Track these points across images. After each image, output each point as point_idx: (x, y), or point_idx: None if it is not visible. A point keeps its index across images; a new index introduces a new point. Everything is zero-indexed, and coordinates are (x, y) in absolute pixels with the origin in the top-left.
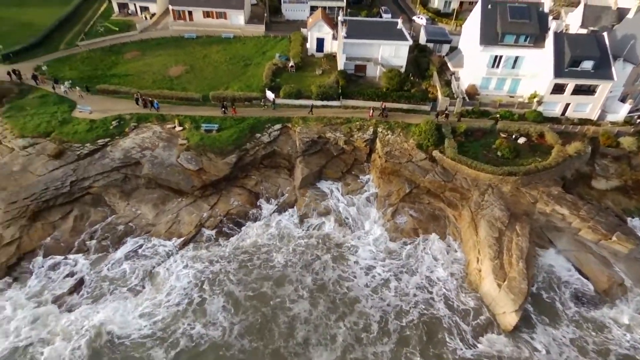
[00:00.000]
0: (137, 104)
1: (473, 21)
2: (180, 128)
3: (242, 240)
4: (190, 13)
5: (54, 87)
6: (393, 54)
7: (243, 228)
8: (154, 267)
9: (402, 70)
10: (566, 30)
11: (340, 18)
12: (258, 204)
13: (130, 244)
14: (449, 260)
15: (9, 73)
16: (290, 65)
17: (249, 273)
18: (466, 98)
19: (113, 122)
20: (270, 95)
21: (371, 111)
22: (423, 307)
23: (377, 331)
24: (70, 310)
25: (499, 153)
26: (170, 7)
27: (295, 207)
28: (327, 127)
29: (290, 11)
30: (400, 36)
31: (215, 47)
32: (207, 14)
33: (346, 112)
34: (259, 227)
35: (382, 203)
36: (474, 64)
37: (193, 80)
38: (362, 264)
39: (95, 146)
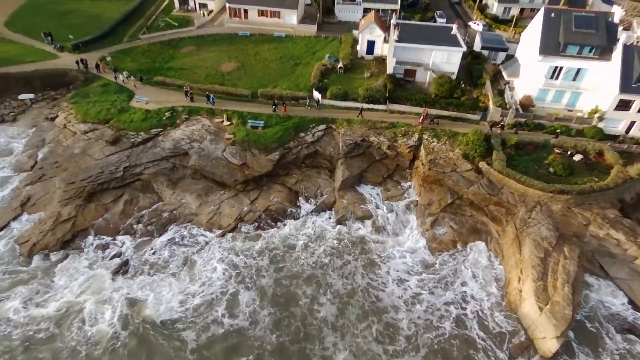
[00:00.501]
0: (186, 96)
1: (533, 29)
2: (228, 123)
3: (278, 237)
4: (245, 11)
5: (115, 77)
6: (445, 59)
7: (280, 225)
8: (192, 256)
9: (453, 77)
10: (637, 42)
11: (393, 21)
12: (297, 202)
13: (173, 231)
14: (487, 277)
15: (77, 62)
16: (339, 66)
17: (280, 270)
18: (519, 109)
19: (166, 113)
20: (317, 95)
21: (421, 117)
22: (455, 323)
23: (405, 344)
24: (114, 287)
25: (551, 169)
26: (227, 5)
27: (333, 208)
28: (371, 131)
29: (342, 12)
30: (453, 42)
31: (266, 45)
32: (261, 13)
33: (392, 116)
34: (295, 225)
35: (422, 212)
36: (531, 74)
37: (243, 77)
38: (393, 275)
39: (149, 135)
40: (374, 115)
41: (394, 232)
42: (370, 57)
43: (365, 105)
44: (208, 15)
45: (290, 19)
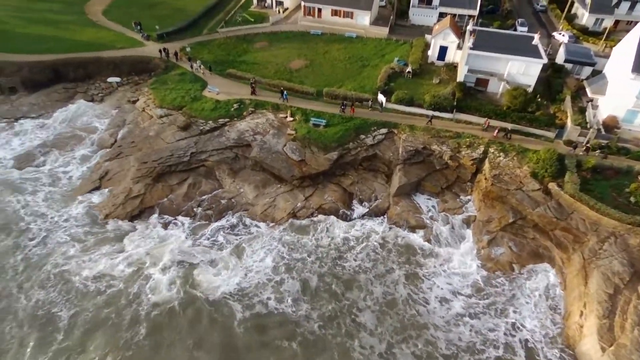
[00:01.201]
0: (252, 87)
1: (628, 44)
2: (291, 119)
3: (327, 235)
4: (319, 10)
5: (191, 66)
6: (522, 71)
7: (330, 224)
8: (244, 243)
9: (530, 89)
10: None
11: (469, 27)
12: (350, 204)
13: (228, 217)
14: (544, 307)
15: (160, 51)
16: (407, 70)
17: (324, 267)
18: (602, 130)
19: (234, 105)
20: (381, 98)
21: (496, 131)
22: (501, 351)
23: None
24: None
25: (632, 199)
26: (303, 3)
27: (386, 214)
28: (434, 139)
29: (417, 16)
30: (534, 53)
31: (337, 45)
32: (335, 12)
33: (457, 126)
34: (346, 226)
35: (480, 228)
36: (620, 92)
37: (310, 75)
38: (438, 292)
39: (216, 124)
40: (439, 123)
41: (447, 246)
42: (441, 63)
43: (430, 112)
44: (283, 12)
45: (362, 19)
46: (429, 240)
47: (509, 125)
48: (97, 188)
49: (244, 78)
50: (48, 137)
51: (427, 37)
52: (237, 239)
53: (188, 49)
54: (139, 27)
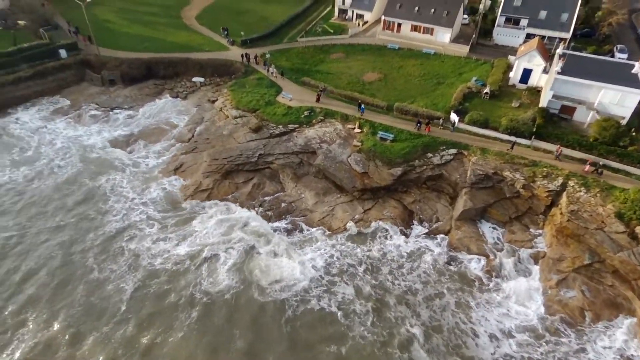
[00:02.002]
0: (318, 95)
1: None
2: (359, 130)
3: (382, 249)
4: (399, 25)
5: (268, 70)
6: (616, 101)
7: (387, 238)
8: (299, 245)
9: (623, 122)
10: None
11: (559, 51)
12: (409, 222)
13: (287, 221)
14: None
15: (242, 55)
16: (484, 91)
17: (374, 278)
18: None
19: (305, 112)
20: (454, 117)
21: (587, 165)
22: None
23: None
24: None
25: None
26: (383, 18)
27: (446, 237)
28: (506, 165)
29: (501, 36)
30: (632, 82)
31: (413, 60)
32: (414, 28)
33: (534, 154)
34: (402, 243)
35: (549, 266)
36: None
37: (383, 89)
38: (488, 327)
39: (286, 129)
40: (515, 149)
41: (508, 279)
42: (523, 86)
43: (508, 137)
44: (362, 25)
45: (442, 36)
46: (489, 271)
47: (557, 149)
48: (172, 177)
49: (317, 87)
50: (136, 128)
51: (510, 58)
52: (293, 240)
53: (268, 55)
54: (226, 32)
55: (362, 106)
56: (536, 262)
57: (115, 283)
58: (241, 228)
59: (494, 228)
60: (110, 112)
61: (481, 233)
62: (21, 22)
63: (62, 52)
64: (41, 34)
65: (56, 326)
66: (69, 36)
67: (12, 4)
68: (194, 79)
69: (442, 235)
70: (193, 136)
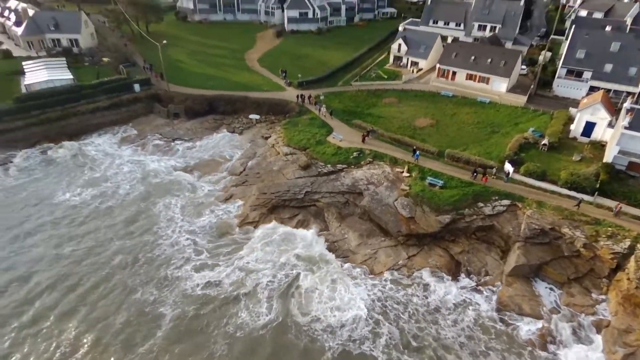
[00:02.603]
0: (367, 135)
1: None
2: (407, 175)
3: (424, 297)
4: (454, 73)
5: (319, 110)
6: None
7: (431, 286)
8: (340, 282)
9: None
10: None
11: (626, 105)
12: (456, 273)
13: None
14: None
15: (297, 96)
16: (543, 142)
17: (418, 326)
18: None
19: (354, 153)
20: (509, 167)
21: None
22: None
23: None
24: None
25: None
26: (438, 66)
27: (495, 293)
28: (565, 221)
29: (562, 87)
30: None
31: (466, 108)
32: (470, 77)
33: (597, 211)
34: (446, 293)
35: (614, 337)
36: None
37: (434, 135)
38: None
39: (334, 169)
40: (574, 204)
41: (565, 347)
42: (585, 139)
43: (568, 192)
44: (416, 72)
45: (499, 86)
46: (542, 336)
47: (616, 206)
48: (222, 207)
49: (374, 132)
50: (192, 160)
51: (572, 110)
52: (335, 278)
53: (322, 97)
54: (284, 74)
55: (417, 153)
56: (599, 331)
57: (155, 307)
58: (287, 258)
59: (550, 289)
60: (172, 143)
61: (536, 293)
62: (105, 59)
63: (136, 87)
64: (121, 69)
65: (88, 343)
66: (144, 72)
67: (100, 43)
68: (251, 116)
69: (490, 290)
70: (244, 170)
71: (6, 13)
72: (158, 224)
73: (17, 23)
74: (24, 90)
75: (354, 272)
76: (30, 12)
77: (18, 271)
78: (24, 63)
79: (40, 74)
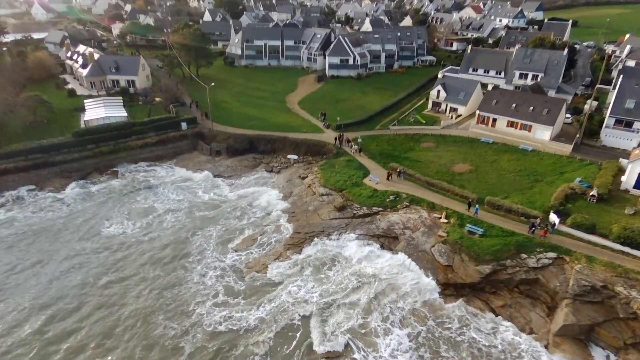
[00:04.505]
0: (398, 176)
1: None
2: (445, 221)
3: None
4: (494, 120)
5: (350, 146)
6: None
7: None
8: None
9: None
10: None
11: None
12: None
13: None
14: None
15: (335, 138)
16: (591, 194)
17: None
18: None
19: (390, 196)
20: (553, 218)
21: None
22: None
23: None
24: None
25: None
26: (478, 112)
27: (542, 351)
28: (619, 279)
29: (610, 137)
30: None
31: (507, 155)
32: (510, 124)
33: None
34: (488, 343)
35: None
36: None
37: (473, 181)
38: None
39: (369, 211)
40: (629, 261)
41: None
42: (638, 192)
43: (617, 247)
44: (455, 118)
45: (542, 134)
46: None
47: None
48: (254, 247)
49: (405, 173)
50: (231, 195)
51: (622, 160)
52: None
53: (359, 140)
54: (323, 117)
55: (477, 207)
56: None
57: (176, 342)
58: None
59: (604, 353)
60: (214, 179)
61: (588, 356)
62: (157, 99)
63: (184, 125)
64: (170, 109)
65: None
66: (191, 111)
67: (154, 84)
68: (289, 156)
69: (535, 347)
70: (280, 208)
71: (75, 57)
72: (190, 258)
73: (84, 65)
74: (82, 125)
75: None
76: (96, 56)
77: (41, 299)
78: (85, 101)
79: (98, 111)
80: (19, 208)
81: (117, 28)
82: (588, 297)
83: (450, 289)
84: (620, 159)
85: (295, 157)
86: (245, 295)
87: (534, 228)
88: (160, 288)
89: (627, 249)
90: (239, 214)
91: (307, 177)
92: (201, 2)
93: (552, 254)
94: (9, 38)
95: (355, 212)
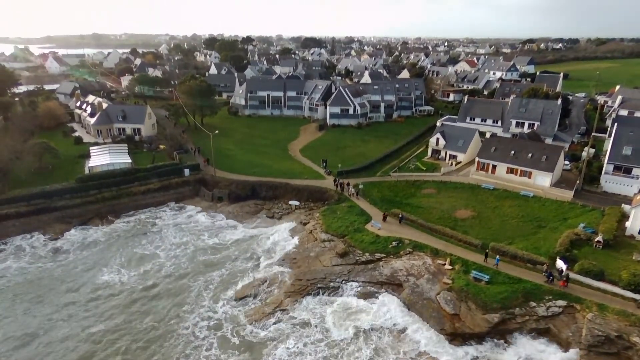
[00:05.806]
0: (400, 222)
1: None
2: (450, 267)
3: None
4: (494, 167)
5: (349, 192)
6: None
7: None
8: None
9: None
10: None
11: None
12: None
13: None
14: None
15: (335, 183)
16: (596, 240)
17: None
18: None
19: (393, 242)
20: (560, 264)
21: None
22: None
23: None
24: None
25: None
26: (477, 159)
27: None
28: (634, 328)
29: (611, 183)
30: None
31: (509, 201)
32: (510, 170)
33: None
34: None
35: None
36: None
37: (476, 227)
38: None
39: (372, 258)
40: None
41: None
42: None
43: (628, 294)
44: (455, 165)
45: (542, 180)
46: None
47: None
48: (254, 294)
49: (407, 219)
50: (232, 240)
51: (625, 207)
52: None
53: (361, 186)
54: (324, 164)
55: (498, 257)
56: None
57: None
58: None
59: None
60: (215, 223)
61: None
62: (162, 146)
63: (186, 171)
64: (174, 155)
65: None
66: (194, 157)
67: (159, 132)
68: (290, 202)
69: None
70: (281, 255)
71: (84, 106)
72: (189, 304)
73: (92, 114)
74: (86, 171)
75: None
76: (104, 105)
77: (31, 346)
78: (90, 148)
79: (103, 158)
80: (15, 257)
81: (126, 80)
82: (603, 348)
83: (459, 339)
84: (623, 205)
85: (297, 203)
86: (240, 352)
87: (552, 277)
88: (147, 340)
89: (638, 297)
90: (241, 259)
91: (308, 222)
92: (208, 57)
93: (561, 302)
94: (21, 89)
95: (358, 258)
